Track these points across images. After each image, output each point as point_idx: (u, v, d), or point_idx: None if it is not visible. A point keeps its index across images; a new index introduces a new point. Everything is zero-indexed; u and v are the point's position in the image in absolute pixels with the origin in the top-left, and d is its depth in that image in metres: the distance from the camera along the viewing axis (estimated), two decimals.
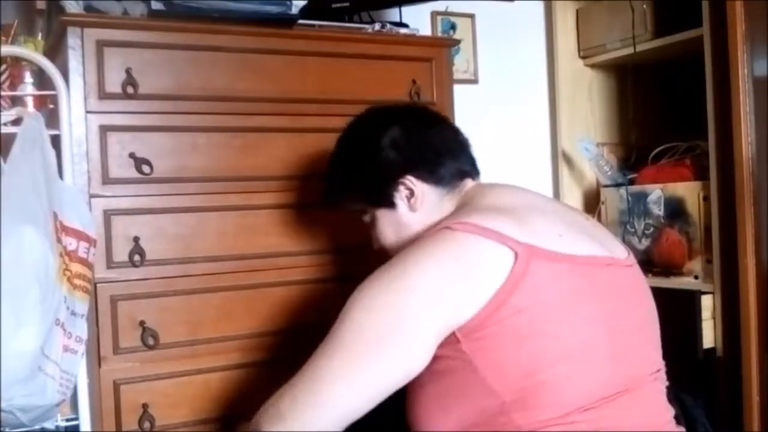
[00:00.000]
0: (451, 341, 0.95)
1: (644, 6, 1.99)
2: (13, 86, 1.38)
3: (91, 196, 1.33)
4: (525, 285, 0.94)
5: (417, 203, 1.15)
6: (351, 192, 1.22)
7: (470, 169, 1.20)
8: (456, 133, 1.22)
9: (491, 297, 0.93)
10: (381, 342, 0.94)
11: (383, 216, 1.19)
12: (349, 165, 1.22)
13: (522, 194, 1.16)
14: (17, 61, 1.38)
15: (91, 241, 1.29)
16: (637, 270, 1.13)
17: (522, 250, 0.95)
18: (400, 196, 1.16)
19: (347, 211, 1.26)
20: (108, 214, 1.34)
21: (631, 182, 2.02)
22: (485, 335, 0.94)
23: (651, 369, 1.06)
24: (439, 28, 2.16)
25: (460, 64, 2.17)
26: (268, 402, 1.02)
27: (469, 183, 1.18)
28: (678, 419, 1.12)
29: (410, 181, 1.14)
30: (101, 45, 1.33)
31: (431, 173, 1.15)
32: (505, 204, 1.08)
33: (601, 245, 1.08)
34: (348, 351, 0.95)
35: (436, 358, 0.96)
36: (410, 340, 0.94)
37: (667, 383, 1.10)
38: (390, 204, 1.17)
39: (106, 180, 1.34)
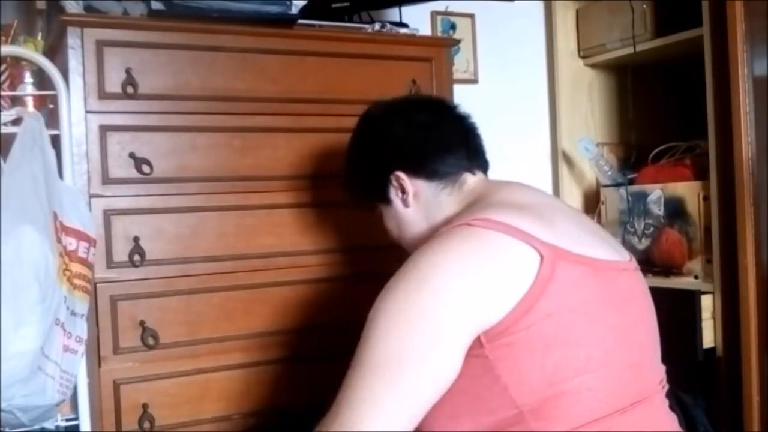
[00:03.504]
0: (474, 345, 0.90)
1: (644, 6, 1.99)
2: (13, 86, 1.38)
3: (91, 196, 1.33)
4: (552, 288, 0.90)
5: (410, 198, 1.13)
6: (355, 188, 1.24)
7: (470, 164, 1.15)
8: (459, 126, 1.18)
9: (519, 300, 0.89)
10: (414, 357, 0.87)
11: (385, 211, 1.19)
12: (352, 162, 1.23)
13: (534, 192, 1.12)
14: (17, 61, 1.38)
15: (91, 241, 1.29)
16: (641, 274, 1.12)
17: (547, 252, 0.91)
18: (395, 192, 1.15)
19: (363, 206, 1.25)
20: (108, 214, 1.34)
21: (631, 182, 2.02)
22: (511, 342, 0.89)
23: (659, 378, 1.05)
24: (439, 28, 2.16)
25: (460, 64, 2.17)
26: None
27: (469, 178, 1.14)
28: (679, 421, 1.12)
29: (399, 177, 1.13)
30: (101, 45, 1.33)
31: (422, 168, 1.13)
32: (523, 201, 1.03)
33: (613, 248, 1.06)
34: (383, 373, 0.87)
35: None
36: (444, 350, 0.88)
37: (667, 387, 1.09)
38: (386, 200, 1.16)
39: (106, 180, 1.34)
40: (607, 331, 0.95)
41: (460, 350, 0.89)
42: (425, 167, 1.13)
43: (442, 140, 1.15)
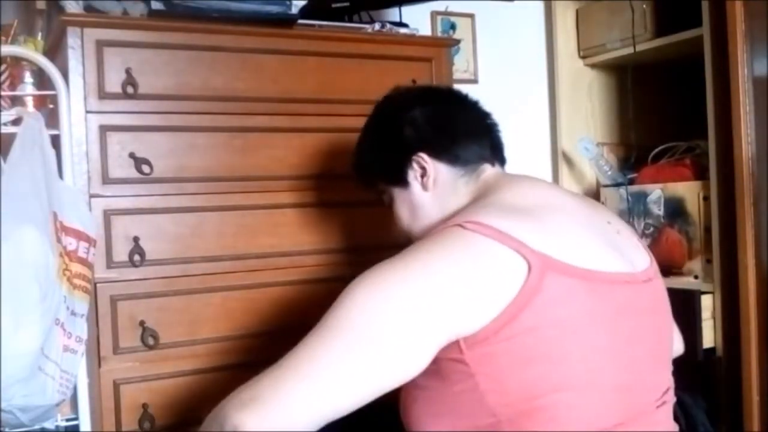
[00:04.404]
0: (454, 349, 0.89)
1: (644, 6, 1.99)
2: (13, 86, 1.38)
3: (91, 196, 1.33)
4: (537, 301, 0.87)
5: (429, 182, 1.11)
6: (369, 169, 1.21)
7: (490, 155, 1.14)
8: (482, 116, 1.18)
9: (501, 311, 0.87)
10: (379, 337, 0.86)
11: (399, 196, 1.15)
12: (368, 143, 1.20)
13: (546, 190, 1.09)
14: (17, 61, 1.38)
15: (91, 241, 1.29)
16: (656, 284, 1.06)
17: (537, 262, 0.88)
18: (414, 175, 1.12)
19: (370, 190, 1.23)
20: (108, 214, 1.34)
21: (631, 182, 2.02)
22: (492, 352, 0.88)
23: (657, 395, 1.00)
24: (439, 28, 2.16)
25: (460, 64, 2.17)
26: (239, 389, 0.91)
27: (488, 169, 1.12)
28: (678, 420, 1.11)
29: (422, 158, 1.10)
30: (101, 45, 1.33)
31: (446, 151, 1.10)
32: (526, 202, 1.01)
33: (622, 257, 1.00)
34: (341, 340, 0.87)
35: (437, 360, 0.89)
36: (409, 343, 0.87)
37: (674, 399, 1.06)
38: (404, 182, 1.13)
39: (106, 180, 1.34)
40: (595, 348, 0.92)
41: (428, 349, 0.88)
42: (450, 151, 1.11)
43: (467, 127, 1.14)
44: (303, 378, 0.86)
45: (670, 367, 1.07)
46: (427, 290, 0.88)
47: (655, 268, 1.08)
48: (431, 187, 1.11)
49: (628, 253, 1.03)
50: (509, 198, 1.03)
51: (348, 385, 0.86)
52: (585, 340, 0.91)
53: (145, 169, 1.35)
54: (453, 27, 2.19)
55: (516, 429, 0.89)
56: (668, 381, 1.05)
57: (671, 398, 1.05)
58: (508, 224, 0.92)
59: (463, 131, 1.13)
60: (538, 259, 0.89)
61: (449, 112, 1.15)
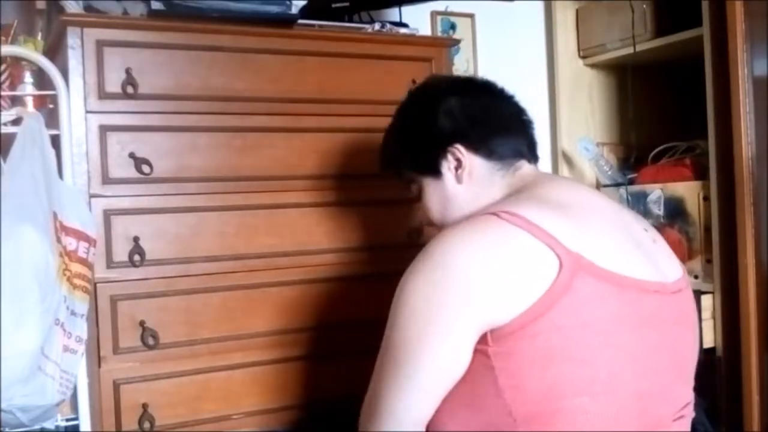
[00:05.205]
0: (481, 339, 0.89)
1: (644, 6, 1.99)
2: (13, 86, 1.38)
3: (91, 196, 1.33)
4: (566, 301, 0.86)
5: (464, 174, 1.08)
6: (400, 158, 1.16)
7: (527, 151, 1.12)
8: (519, 111, 1.15)
9: (530, 306, 0.86)
10: (427, 352, 0.90)
11: (430, 186, 1.12)
12: (401, 130, 1.17)
13: (586, 192, 1.07)
14: (17, 61, 1.38)
15: (91, 241, 1.29)
16: (685, 296, 1.03)
17: (569, 261, 0.87)
18: (448, 166, 1.09)
19: (399, 180, 1.19)
20: (108, 214, 1.34)
21: (631, 182, 2.02)
22: (515, 348, 0.87)
23: (676, 408, 0.99)
24: (439, 28, 2.16)
25: (460, 64, 2.17)
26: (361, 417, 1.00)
27: (525, 165, 1.10)
28: None
29: (459, 150, 1.07)
30: (101, 45, 1.33)
31: (483, 144, 1.08)
32: (564, 199, 0.99)
33: (655, 266, 0.99)
34: (397, 355, 0.92)
35: None
36: (454, 343, 0.89)
37: (693, 415, 1.04)
38: (437, 173, 1.10)
39: (106, 180, 1.34)
40: (619, 354, 0.90)
41: (468, 345, 0.89)
42: (487, 144, 1.08)
43: (506, 121, 1.12)
44: (388, 403, 0.93)
45: (691, 382, 1.04)
46: (465, 284, 0.88)
47: (687, 280, 1.06)
48: (466, 180, 1.08)
49: (661, 263, 1.02)
50: (547, 194, 1.01)
51: (422, 396, 0.92)
52: (609, 345, 0.90)
53: (145, 169, 1.35)
54: (453, 27, 2.19)
55: (532, 430, 0.88)
56: (689, 395, 1.03)
57: (690, 413, 1.03)
58: (543, 218, 0.91)
59: (501, 125, 1.11)
60: (570, 258, 0.88)
61: (487, 103, 1.12)
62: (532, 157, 1.13)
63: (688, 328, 1.03)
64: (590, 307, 0.88)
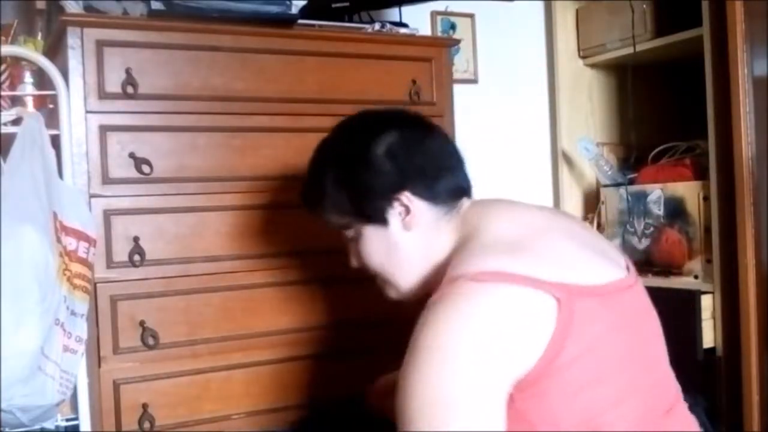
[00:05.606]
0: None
1: (644, 6, 1.99)
2: (13, 86, 1.38)
3: (91, 196, 1.33)
4: (574, 330, 0.86)
5: (412, 222, 1.03)
6: (337, 204, 1.07)
7: (467, 187, 1.09)
8: (453, 146, 1.11)
9: (545, 349, 0.85)
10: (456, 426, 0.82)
11: (372, 233, 1.06)
12: (337, 173, 1.07)
13: (523, 214, 1.04)
14: (17, 61, 1.38)
15: (91, 241, 1.29)
16: (641, 286, 1.05)
17: (561, 294, 0.87)
18: (394, 213, 1.04)
19: (327, 223, 1.12)
20: (108, 214, 1.34)
21: (631, 182, 2.02)
22: (541, 390, 0.86)
23: (675, 392, 1.03)
24: (439, 28, 2.16)
25: (460, 64, 2.17)
26: None
27: (465, 202, 1.07)
28: None
29: (407, 197, 1.02)
30: (101, 45, 1.33)
31: (429, 189, 1.03)
32: (513, 234, 0.97)
33: (612, 262, 1.00)
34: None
35: None
36: (487, 412, 0.84)
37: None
38: (382, 221, 1.04)
39: (106, 180, 1.34)
40: (626, 358, 0.93)
41: (500, 410, 0.85)
42: (432, 189, 1.04)
43: (446, 161, 1.08)
44: None
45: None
46: (476, 360, 0.84)
47: (634, 272, 1.06)
48: (414, 227, 1.04)
49: (613, 257, 1.03)
50: (496, 234, 0.98)
51: None
52: (617, 352, 0.92)
53: (145, 169, 1.35)
54: (453, 27, 2.19)
55: None
56: (675, 380, 1.06)
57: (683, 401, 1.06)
58: (514, 264, 0.89)
59: (444, 166, 1.07)
60: (560, 290, 0.87)
61: (424, 141, 1.07)
62: (470, 189, 1.10)
63: (653, 310, 1.05)
64: (590, 327, 0.89)
